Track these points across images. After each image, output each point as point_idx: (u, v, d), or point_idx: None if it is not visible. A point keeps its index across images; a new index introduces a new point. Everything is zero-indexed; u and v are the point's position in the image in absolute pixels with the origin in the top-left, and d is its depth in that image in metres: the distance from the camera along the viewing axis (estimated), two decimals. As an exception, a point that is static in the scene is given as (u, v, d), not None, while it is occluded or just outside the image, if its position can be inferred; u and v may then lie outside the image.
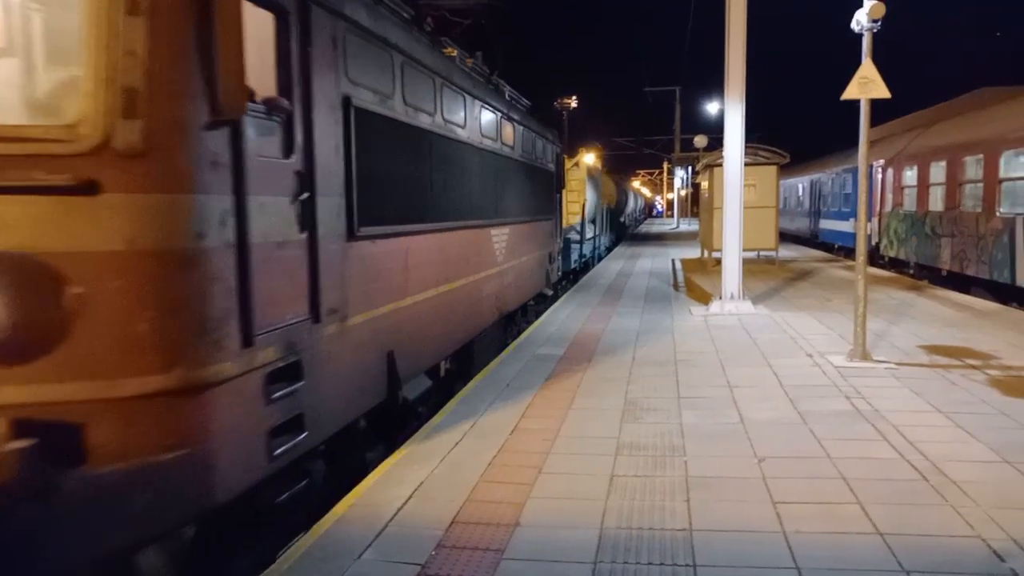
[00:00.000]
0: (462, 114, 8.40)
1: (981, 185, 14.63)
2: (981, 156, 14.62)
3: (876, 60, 8.41)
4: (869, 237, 12.99)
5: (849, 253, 23.44)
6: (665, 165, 73.04)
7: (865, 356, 8.54)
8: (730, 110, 12.27)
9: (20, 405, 3.32)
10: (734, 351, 9.42)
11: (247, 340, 4.02)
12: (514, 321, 11.97)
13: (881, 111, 8.98)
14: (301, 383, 4.58)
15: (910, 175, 18.84)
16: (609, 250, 30.63)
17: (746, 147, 12.87)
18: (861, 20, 8.48)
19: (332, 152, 5.08)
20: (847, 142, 23.08)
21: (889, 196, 20.55)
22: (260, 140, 4.22)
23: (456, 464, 5.57)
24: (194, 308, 3.71)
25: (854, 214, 11.26)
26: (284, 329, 4.42)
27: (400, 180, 6.41)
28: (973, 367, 8.19)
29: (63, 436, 3.38)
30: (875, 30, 8.47)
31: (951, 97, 23.27)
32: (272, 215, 4.34)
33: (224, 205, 3.86)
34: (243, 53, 3.75)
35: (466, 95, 8.59)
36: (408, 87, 6.56)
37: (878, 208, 21.21)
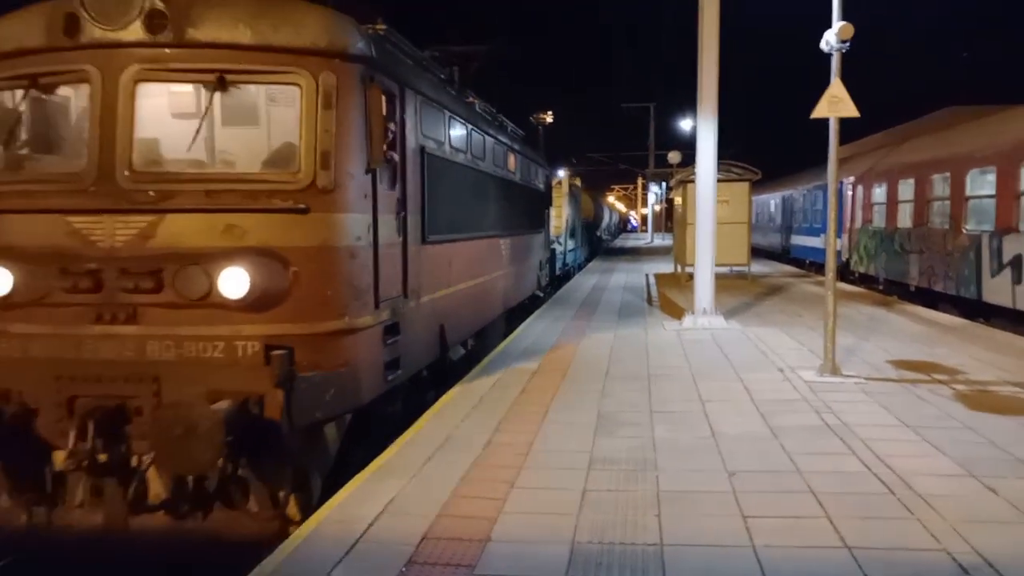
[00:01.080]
0: (482, 150, 10.94)
1: (948, 203, 14.90)
2: (948, 174, 14.89)
3: (845, 79, 8.56)
4: (839, 253, 13.16)
5: (820, 269, 23.71)
6: (639, 180, 73.57)
7: (835, 371, 8.65)
8: (702, 127, 12.41)
9: (265, 335, 5.60)
10: (706, 366, 9.49)
11: (376, 304, 6.40)
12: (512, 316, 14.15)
13: (851, 128, 9.15)
14: (399, 337, 6.97)
15: (879, 192, 19.14)
16: (585, 264, 30.93)
17: (719, 163, 13.01)
18: (830, 40, 8.63)
19: (414, 185, 7.44)
20: (818, 159, 23.38)
21: (859, 213, 20.85)
22: (382, 179, 6.61)
23: (428, 478, 5.55)
24: (354, 282, 6.09)
25: (825, 230, 11.46)
26: (391, 300, 6.79)
27: (449, 202, 8.77)
28: (940, 382, 8.32)
29: (308, 354, 5.72)
30: (844, 50, 8.63)
31: (919, 116, 23.72)
32: (387, 226, 6.71)
33: (368, 220, 6.29)
34: (383, 128, 6.25)
35: (485, 135, 11.14)
36: (452, 134, 9.08)
37: (848, 224, 21.51)
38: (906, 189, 17.21)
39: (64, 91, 6.22)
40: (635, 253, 37.86)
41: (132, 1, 5.64)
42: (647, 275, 23.17)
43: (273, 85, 6.13)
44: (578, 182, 31.75)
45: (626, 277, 22.87)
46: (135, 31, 5.67)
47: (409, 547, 4.40)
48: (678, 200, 23.37)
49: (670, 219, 47.42)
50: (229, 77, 5.81)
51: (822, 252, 23.66)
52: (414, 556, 4.30)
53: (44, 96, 6.20)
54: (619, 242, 55.89)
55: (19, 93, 6.02)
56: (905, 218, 17.27)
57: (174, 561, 6.05)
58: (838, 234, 9.92)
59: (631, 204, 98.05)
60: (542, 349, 10.81)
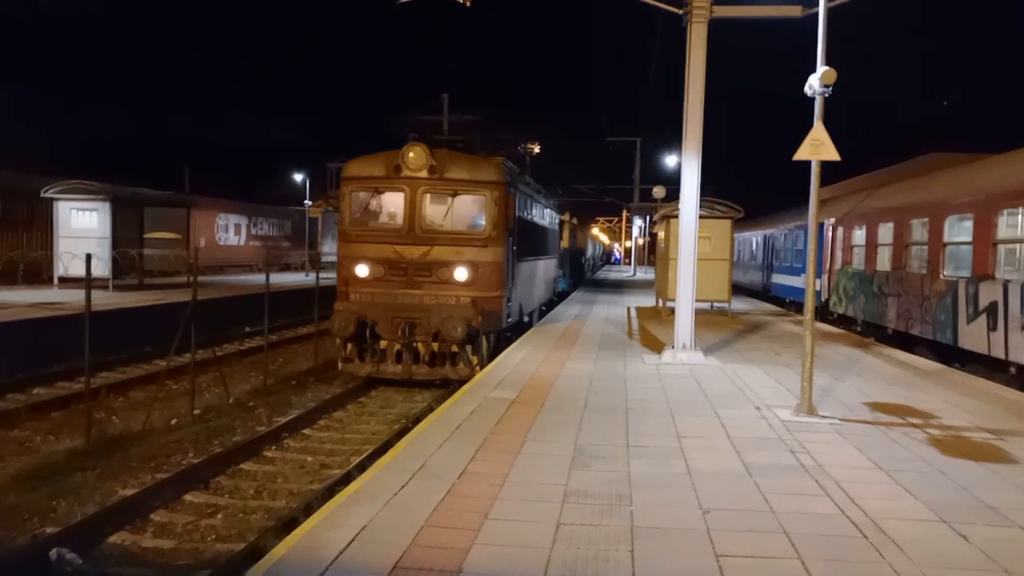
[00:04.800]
0: (532, 209, 18.40)
1: (926, 248, 15.09)
2: (927, 219, 15.10)
3: (829, 121, 8.71)
4: (818, 294, 13.29)
5: (800, 308, 23.88)
6: (624, 213, 73.98)
7: (811, 411, 8.69)
8: (687, 165, 12.55)
9: (471, 295, 13.58)
10: (684, 401, 9.52)
11: (504, 287, 14.32)
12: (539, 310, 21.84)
13: (833, 170, 9.27)
14: (510, 303, 14.91)
15: (859, 234, 19.37)
16: (569, 292, 31.31)
17: (702, 200, 13.13)
18: (813, 85, 8.78)
19: (515, 234, 15.18)
20: (800, 198, 23.62)
21: (839, 254, 21.07)
22: (509, 233, 14.51)
23: (402, 506, 5.51)
24: (500, 276, 14.11)
25: (805, 270, 11.51)
26: (508, 286, 14.60)
27: (524, 241, 16.46)
28: (914, 425, 8.38)
29: (481, 304, 13.59)
30: (827, 94, 8.78)
31: (900, 161, 24.07)
32: (509, 254, 14.57)
33: (505, 252, 14.24)
34: (514, 209, 14.91)
35: (535, 202, 19.12)
36: (522, 204, 16.35)
37: (828, 265, 21.72)
38: (885, 233, 17.43)
39: (392, 195, 14.07)
40: (618, 286, 37.98)
41: (424, 162, 13.69)
42: (629, 308, 23.24)
43: (475, 195, 13.94)
44: (568, 217, 33.44)
45: (608, 309, 22.93)
46: (424, 172, 13.75)
47: (380, 575, 4.36)
48: (661, 235, 23.53)
49: (653, 253, 47.60)
50: (459, 191, 13.86)
51: (802, 291, 23.80)
52: (384, 585, 4.25)
53: (383, 196, 14.18)
54: (602, 274, 56.05)
55: (373, 192, 14.18)
56: (884, 261, 17.47)
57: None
58: (818, 275, 10.01)
59: (615, 237, 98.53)
60: (521, 379, 10.80)
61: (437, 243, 13.62)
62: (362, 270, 13.80)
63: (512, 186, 14.72)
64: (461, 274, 13.53)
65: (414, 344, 13.48)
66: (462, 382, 11.65)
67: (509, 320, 14.99)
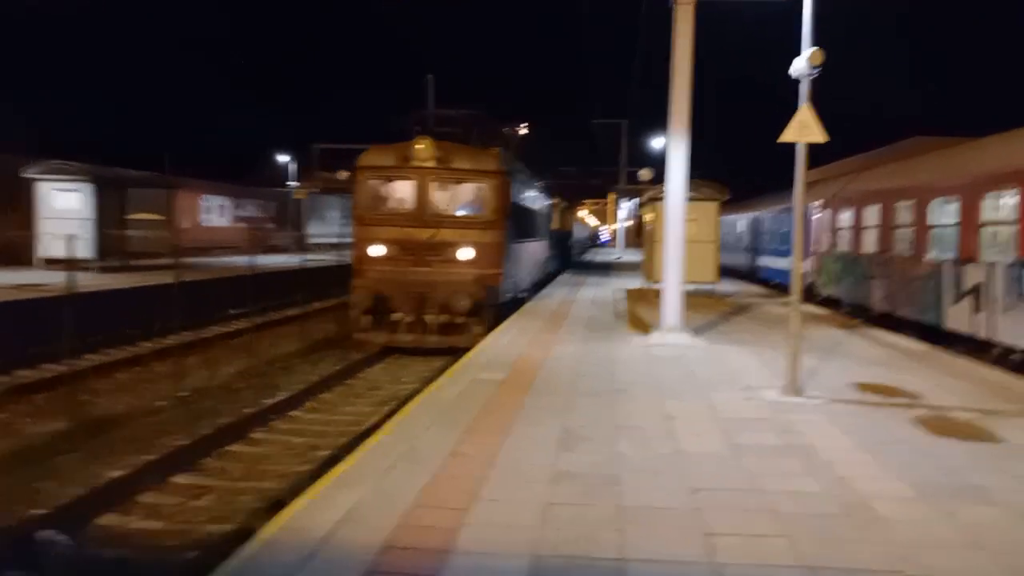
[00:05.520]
0: (526, 195, 19.98)
1: (912, 230, 15.17)
2: (913, 202, 15.17)
3: (815, 103, 8.69)
4: (805, 276, 13.33)
5: (786, 290, 23.98)
6: (611, 196, 73.95)
7: (798, 392, 8.74)
8: (673, 148, 12.53)
9: (474, 272, 15.25)
10: (672, 382, 9.54)
11: (502, 265, 15.85)
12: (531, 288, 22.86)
13: (819, 153, 9.28)
14: (505, 280, 16.22)
15: (845, 217, 19.44)
16: (557, 274, 31.34)
17: (689, 182, 13.11)
18: (800, 66, 8.76)
19: (512, 218, 16.60)
20: (786, 181, 23.70)
21: (825, 236, 21.15)
22: (507, 217, 16.13)
23: (390, 488, 5.50)
24: (499, 256, 15.80)
25: (791, 252, 11.51)
26: (507, 265, 16.34)
27: (518, 223, 17.79)
28: (901, 406, 8.44)
29: (483, 280, 15.26)
30: (814, 76, 8.76)
31: (886, 144, 24.14)
32: (506, 236, 16.19)
33: (503, 234, 16.00)
34: (509, 197, 16.22)
35: (525, 186, 20.06)
36: (517, 190, 17.50)
37: (814, 248, 21.80)
38: (871, 215, 17.50)
39: (403, 183, 15.71)
40: (605, 268, 38.01)
41: (431, 154, 15.17)
42: (615, 290, 23.27)
43: (477, 183, 15.59)
44: (557, 201, 33.91)
45: (595, 291, 22.95)
46: (431, 163, 15.25)
47: (369, 556, 4.36)
48: (648, 217, 23.53)
49: (640, 235, 47.60)
50: (463, 179, 15.53)
51: (788, 273, 23.91)
52: (373, 565, 4.25)
53: (394, 183, 15.85)
54: (589, 256, 56.09)
55: (384, 181, 15.87)
56: (870, 244, 17.55)
57: (138, 563, 6.09)
58: (804, 257, 10.06)
59: (602, 218, 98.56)
60: (508, 360, 10.80)
61: (443, 226, 15.26)
62: (376, 250, 15.33)
63: (509, 175, 16.33)
64: (465, 254, 15.20)
65: (424, 316, 15.01)
66: (467, 349, 12.50)
67: (507, 295, 16.76)
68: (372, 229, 15.51)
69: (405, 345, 15.22)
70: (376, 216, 15.66)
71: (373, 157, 15.91)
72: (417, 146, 15.25)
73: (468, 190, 15.63)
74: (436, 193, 15.49)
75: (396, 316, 15.12)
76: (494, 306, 15.61)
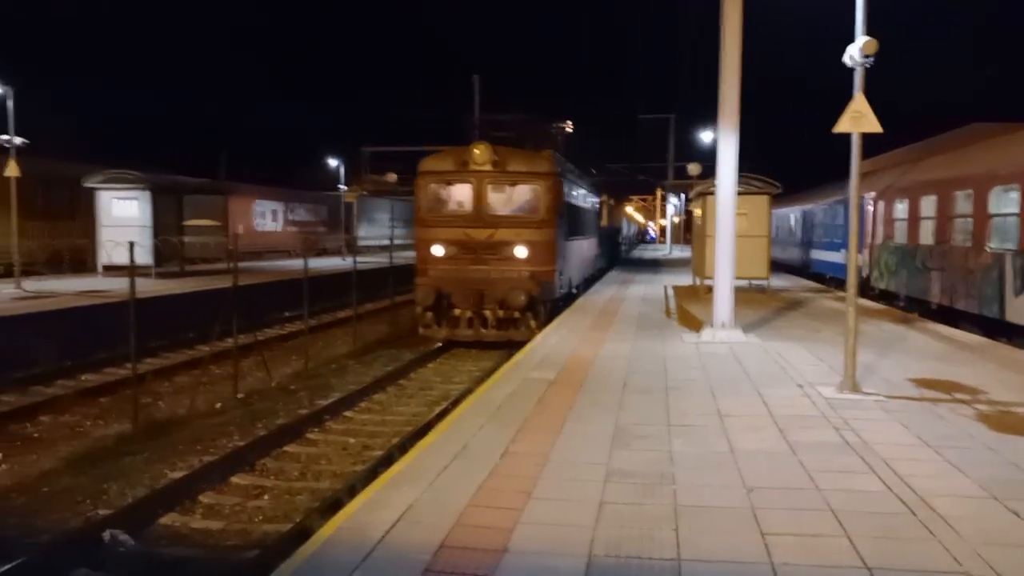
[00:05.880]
0: (576, 194, 20.66)
1: (971, 220, 14.76)
2: (971, 191, 14.76)
3: (868, 92, 8.51)
4: (860, 269, 13.07)
5: (840, 284, 23.54)
6: (658, 191, 73.31)
7: (854, 388, 8.58)
8: (723, 141, 12.38)
9: (530, 270, 16.00)
10: (724, 380, 9.45)
11: (555, 262, 16.93)
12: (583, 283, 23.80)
13: (872, 143, 9.07)
14: (560, 276, 17.42)
15: (901, 208, 18.99)
16: (607, 270, 31.37)
17: (739, 176, 12.95)
18: (854, 55, 8.58)
19: (564, 217, 17.58)
20: (839, 172, 23.22)
21: (880, 228, 20.69)
22: (560, 215, 16.97)
23: (445, 487, 5.55)
24: (554, 253, 16.57)
25: (845, 245, 11.29)
26: (559, 262, 17.24)
27: (571, 222, 19.17)
28: (961, 401, 8.23)
29: (537, 277, 16.04)
30: (868, 65, 8.58)
31: (943, 131, 23.51)
32: (560, 234, 17.14)
33: (556, 232, 16.70)
34: (562, 197, 17.10)
35: (579, 187, 21.66)
36: (568, 190, 18.39)
37: (869, 240, 21.34)
38: (928, 206, 17.07)
39: (461, 186, 16.42)
40: (653, 265, 37.73)
41: (488, 158, 15.98)
42: (665, 287, 23.09)
43: (531, 185, 16.25)
44: (605, 198, 34.06)
45: (644, 288, 22.81)
46: (488, 167, 16.08)
47: (426, 556, 4.41)
48: (697, 212, 23.28)
49: (689, 231, 47.09)
50: (517, 181, 16.29)
51: (842, 267, 23.43)
52: (430, 565, 4.30)
53: (453, 187, 16.53)
54: (637, 253, 55.71)
55: (444, 184, 16.58)
56: (927, 235, 17.12)
57: (199, 562, 6.25)
58: (859, 250, 9.85)
59: (650, 215, 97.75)
60: (559, 359, 10.80)
61: (500, 226, 16.08)
62: (438, 250, 16.26)
63: (561, 176, 17.20)
64: (521, 252, 15.99)
65: (483, 311, 15.85)
66: (523, 342, 13.37)
67: (560, 291, 17.69)
68: (434, 230, 16.39)
69: (465, 339, 16.12)
70: (437, 218, 16.50)
71: (433, 163, 16.75)
72: (475, 151, 16.09)
73: (522, 191, 16.36)
74: (492, 195, 16.25)
75: (456, 312, 15.94)
76: (548, 301, 16.47)
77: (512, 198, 16.38)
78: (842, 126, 8.54)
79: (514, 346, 13.99)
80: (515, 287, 15.63)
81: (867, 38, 8.45)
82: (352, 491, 7.60)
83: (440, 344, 16.49)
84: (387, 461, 8.55)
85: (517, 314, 15.74)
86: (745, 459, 6.22)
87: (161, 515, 7.35)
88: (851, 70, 8.67)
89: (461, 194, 16.48)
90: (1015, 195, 13.02)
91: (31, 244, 23.01)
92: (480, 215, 16.16)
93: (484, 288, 15.86)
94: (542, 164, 16.52)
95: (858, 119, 8.49)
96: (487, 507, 5.18)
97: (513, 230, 16.07)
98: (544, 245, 16.23)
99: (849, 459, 6.24)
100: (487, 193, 16.20)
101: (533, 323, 15.77)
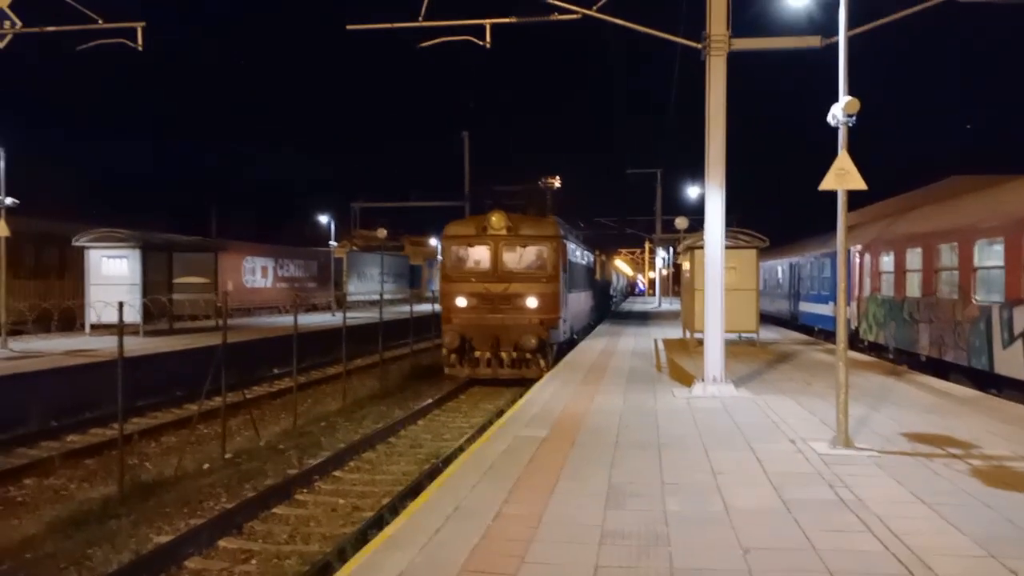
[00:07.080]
0: (576, 252, 23.35)
1: (957, 272, 14.91)
2: (955, 244, 14.94)
3: (852, 145, 8.67)
4: (848, 321, 13.10)
5: (829, 336, 23.65)
6: (647, 244, 73.85)
7: (848, 443, 8.55)
8: (710, 197, 12.53)
9: (539, 317, 18.93)
10: (717, 435, 9.40)
11: (560, 310, 19.59)
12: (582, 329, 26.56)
13: (857, 195, 9.20)
14: (564, 324, 20.14)
15: (887, 260, 19.19)
16: (597, 323, 31.48)
17: (726, 231, 13.08)
18: (837, 114, 8.77)
19: (566, 272, 20.28)
20: (825, 225, 23.47)
21: (867, 280, 20.86)
22: (563, 271, 19.86)
23: (438, 551, 5.47)
24: (559, 302, 19.46)
25: (833, 297, 11.34)
26: (563, 311, 19.98)
27: (571, 276, 21.34)
28: (955, 456, 8.21)
29: (546, 323, 19.00)
30: (850, 124, 8.77)
31: (922, 183, 23.91)
32: (562, 287, 19.75)
33: (560, 285, 19.57)
34: (565, 255, 20.36)
35: (577, 246, 23.93)
36: (570, 250, 21.56)
37: (856, 292, 21.49)
38: (914, 258, 17.25)
39: (481, 247, 19.38)
40: (643, 317, 37.79)
41: (503, 224, 19.20)
42: (655, 340, 23.11)
43: (539, 246, 19.33)
44: (598, 254, 35.73)
45: (634, 341, 22.82)
46: (503, 231, 19.23)
47: (418, 624, 4.32)
48: (686, 266, 23.45)
49: (677, 283, 47.28)
50: (528, 243, 19.39)
51: (831, 319, 23.58)
52: (423, 634, 4.21)
53: (473, 248, 19.48)
54: (627, 306, 55.82)
55: (466, 246, 19.55)
56: (914, 287, 17.26)
57: None
58: (847, 302, 9.90)
59: (638, 268, 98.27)
60: (551, 415, 10.74)
61: (514, 280, 19.09)
62: (461, 301, 19.15)
63: (564, 238, 20.45)
64: (531, 302, 18.93)
65: (499, 352, 18.74)
66: (537, 379, 15.81)
67: (564, 335, 20.55)
68: (457, 284, 19.30)
69: (484, 377, 18.99)
70: (460, 274, 19.44)
71: (457, 228, 20.07)
72: (492, 218, 19.27)
73: (532, 252, 19.44)
74: (507, 255, 19.30)
75: (477, 353, 18.88)
76: (554, 344, 19.33)
77: (523, 257, 19.40)
78: (827, 184, 8.69)
79: (526, 383, 16.66)
80: (527, 332, 18.46)
81: (849, 98, 8.65)
82: (342, 555, 7.48)
83: (434, 399, 16.50)
84: (377, 522, 8.43)
85: (529, 355, 18.55)
86: (740, 518, 6.16)
87: (147, 581, 7.20)
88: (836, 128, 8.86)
89: (480, 254, 19.43)
90: (999, 247, 13.19)
91: (21, 304, 22.85)
92: (497, 271, 19.12)
93: (500, 333, 18.75)
94: (548, 228, 19.76)
95: (843, 176, 8.63)
96: (480, 572, 5.09)
97: (524, 284, 19.03)
98: (551, 296, 19.14)
99: (845, 517, 6.20)
100: (502, 253, 19.22)
101: (543, 362, 18.59)
